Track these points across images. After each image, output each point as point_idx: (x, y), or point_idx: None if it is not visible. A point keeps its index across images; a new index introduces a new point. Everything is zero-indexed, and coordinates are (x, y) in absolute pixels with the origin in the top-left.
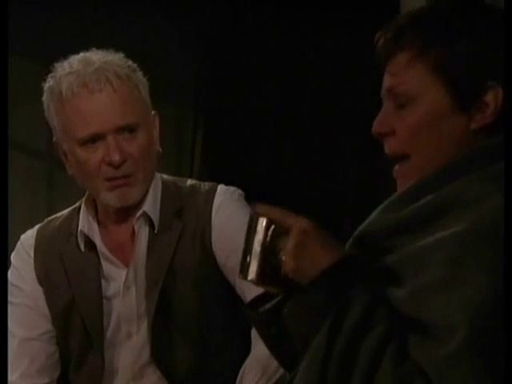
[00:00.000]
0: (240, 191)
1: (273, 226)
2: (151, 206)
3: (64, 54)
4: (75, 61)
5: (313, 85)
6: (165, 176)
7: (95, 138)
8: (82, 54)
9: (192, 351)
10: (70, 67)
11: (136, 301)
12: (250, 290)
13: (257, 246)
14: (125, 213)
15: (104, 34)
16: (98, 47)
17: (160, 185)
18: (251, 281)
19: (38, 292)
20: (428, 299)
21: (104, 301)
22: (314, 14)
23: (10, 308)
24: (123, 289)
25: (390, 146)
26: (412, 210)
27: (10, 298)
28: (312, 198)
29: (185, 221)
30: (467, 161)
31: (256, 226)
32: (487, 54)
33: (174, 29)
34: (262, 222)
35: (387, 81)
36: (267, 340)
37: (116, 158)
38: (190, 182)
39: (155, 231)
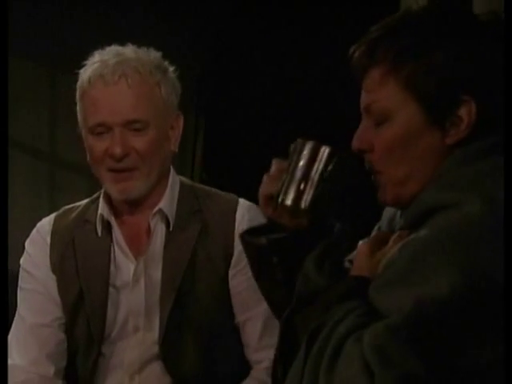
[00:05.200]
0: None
1: (319, 151)
2: (168, 204)
3: (65, 55)
4: (105, 52)
5: (314, 85)
6: (184, 178)
7: (103, 129)
8: (113, 47)
9: (200, 352)
10: (97, 57)
11: (145, 295)
12: (242, 307)
13: (300, 171)
14: (139, 207)
15: (104, 34)
16: (99, 47)
17: (178, 185)
18: (287, 205)
19: (51, 280)
20: (387, 290)
21: (113, 290)
22: (314, 15)
23: (20, 293)
24: (132, 281)
25: (369, 162)
26: (404, 215)
27: (21, 284)
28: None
29: (204, 222)
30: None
31: (301, 151)
32: (461, 67)
33: (174, 30)
34: (309, 146)
35: (363, 98)
36: (262, 270)
37: (117, 151)
38: (207, 188)
39: (170, 229)
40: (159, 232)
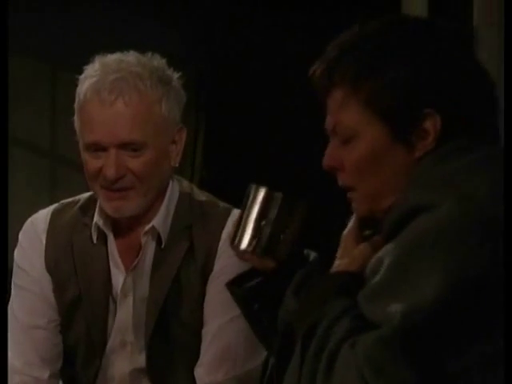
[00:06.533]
0: None
1: (272, 199)
2: (162, 220)
3: (65, 52)
4: (106, 62)
5: None
6: (185, 185)
7: (98, 148)
8: (116, 56)
9: (187, 368)
10: (96, 69)
11: (133, 311)
12: (212, 316)
13: (253, 217)
14: (135, 220)
15: (105, 33)
16: (98, 46)
17: (176, 196)
18: (243, 250)
19: (46, 280)
20: (375, 300)
21: (111, 300)
22: (314, 14)
23: (14, 289)
24: (121, 295)
25: (341, 179)
26: (386, 220)
27: (14, 279)
28: (313, 197)
29: (192, 239)
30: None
31: (255, 197)
32: (419, 81)
33: (174, 28)
34: (262, 193)
35: (328, 120)
36: (249, 317)
37: (111, 174)
38: (206, 197)
39: (162, 246)
40: (150, 249)
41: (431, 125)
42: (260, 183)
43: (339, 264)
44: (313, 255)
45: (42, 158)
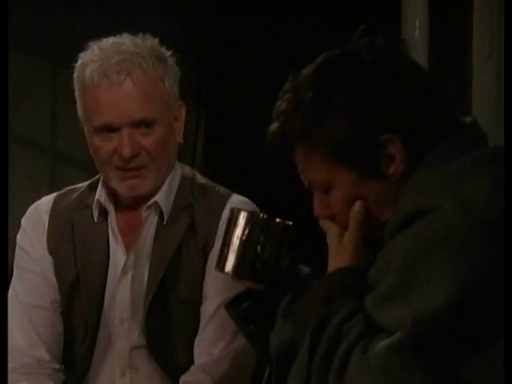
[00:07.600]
0: (252, 205)
1: (253, 221)
2: (164, 196)
3: (65, 48)
4: (104, 47)
5: None
6: (187, 169)
7: (110, 129)
8: (112, 40)
9: (186, 345)
10: (96, 54)
11: (131, 288)
12: (210, 297)
13: (235, 240)
14: (138, 198)
15: (104, 31)
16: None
17: (179, 177)
18: (227, 273)
19: (47, 261)
20: (384, 306)
21: (110, 278)
22: (314, 13)
23: (16, 271)
24: (121, 273)
25: (336, 221)
26: (388, 224)
27: (17, 261)
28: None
29: (193, 216)
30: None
31: (236, 220)
32: (365, 113)
33: (174, 25)
34: (243, 216)
35: (302, 178)
36: (247, 336)
37: (127, 153)
38: (206, 181)
39: (164, 222)
40: (151, 225)
41: (393, 148)
42: (260, 180)
43: (333, 263)
44: (306, 271)
45: (42, 154)
